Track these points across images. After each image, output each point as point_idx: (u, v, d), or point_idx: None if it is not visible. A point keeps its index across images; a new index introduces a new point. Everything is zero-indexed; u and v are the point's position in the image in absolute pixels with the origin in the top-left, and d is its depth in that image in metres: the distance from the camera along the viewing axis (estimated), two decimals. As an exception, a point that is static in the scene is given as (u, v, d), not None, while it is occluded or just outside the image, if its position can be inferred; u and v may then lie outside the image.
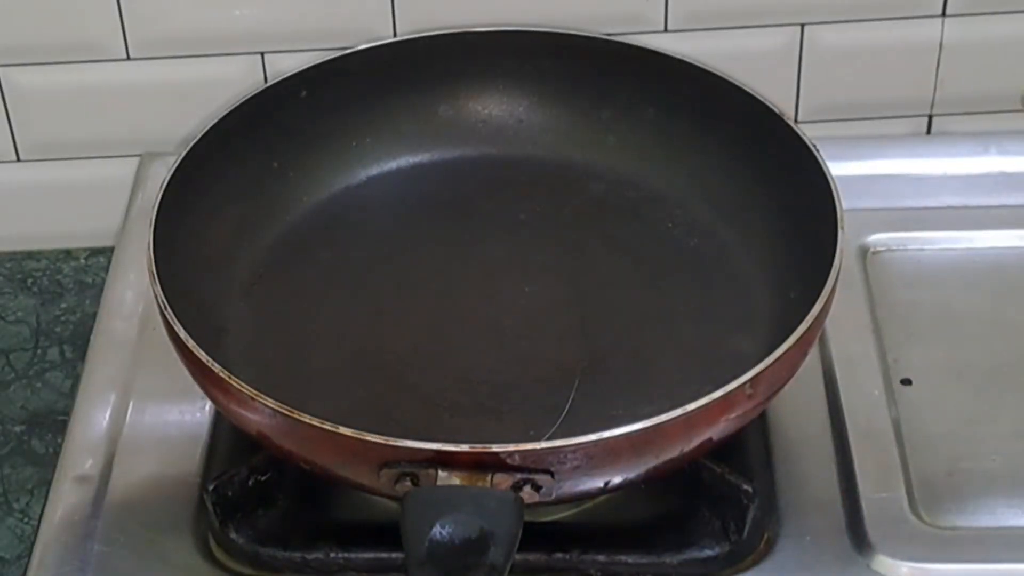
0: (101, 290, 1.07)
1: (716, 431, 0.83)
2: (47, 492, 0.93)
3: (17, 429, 1.06)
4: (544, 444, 0.79)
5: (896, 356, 0.99)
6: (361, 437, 0.80)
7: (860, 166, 1.09)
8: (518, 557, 0.79)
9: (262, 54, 1.11)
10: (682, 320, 0.96)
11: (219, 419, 0.95)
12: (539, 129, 1.06)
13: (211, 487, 0.88)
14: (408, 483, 0.80)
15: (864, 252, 1.05)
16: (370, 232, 1.02)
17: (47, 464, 1.01)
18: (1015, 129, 1.13)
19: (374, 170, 1.05)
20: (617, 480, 0.83)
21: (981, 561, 0.88)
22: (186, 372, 0.87)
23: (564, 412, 0.90)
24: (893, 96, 1.13)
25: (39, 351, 1.11)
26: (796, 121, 1.07)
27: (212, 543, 0.90)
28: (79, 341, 1.09)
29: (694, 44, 1.08)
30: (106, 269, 1.09)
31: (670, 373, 0.93)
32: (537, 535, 0.84)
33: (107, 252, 1.13)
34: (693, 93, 1.01)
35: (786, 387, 0.87)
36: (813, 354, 0.94)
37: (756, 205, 0.99)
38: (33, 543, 0.91)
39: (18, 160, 1.15)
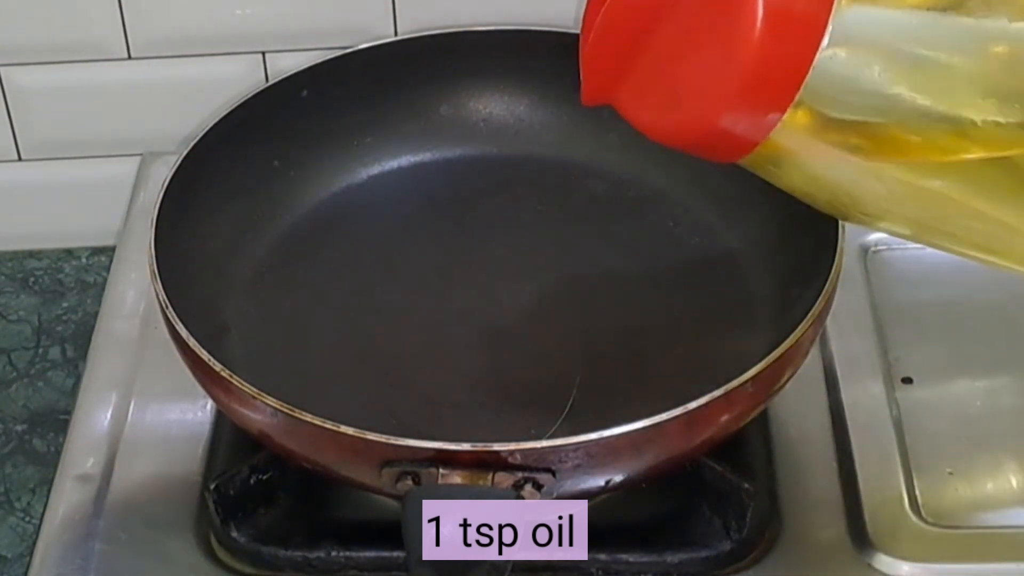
0: (102, 289, 1.07)
1: (717, 430, 0.83)
2: (49, 491, 0.93)
3: (19, 428, 1.06)
4: (545, 443, 0.80)
5: (897, 355, 0.99)
6: (362, 436, 0.80)
7: (861, 165, 1.09)
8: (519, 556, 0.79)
9: (263, 53, 1.11)
10: (683, 318, 0.96)
11: (220, 418, 0.95)
12: (540, 128, 1.06)
13: (213, 486, 0.88)
14: (409, 482, 0.80)
15: (865, 250, 1.05)
16: (371, 231, 1.02)
17: (49, 463, 1.02)
18: (1015, 128, 1.13)
19: (375, 169, 1.05)
20: (618, 479, 0.83)
21: (981, 560, 0.88)
22: (188, 371, 0.87)
23: (565, 411, 0.90)
24: (894, 95, 1.13)
25: (40, 350, 1.11)
26: (797, 120, 1.07)
27: (214, 542, 0.90)
28: (80, 340, 1.10)
29: (695, 43, 1.08)
30: (107, 268, 1.09)
31: (671, 371, 0.93)
32: (538, 534, 0.85)
33: (108, 251, 1.13)
34: (694, 92, 1.01)
35: (787, 386, 0.87)
36: (814, 352, 0.94)
37: (757, 204, 0.99)
38: (35, 542, 0.91)
39: (20, 159, 1.15)
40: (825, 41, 0.73)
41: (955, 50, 0.75)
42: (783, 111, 0.75)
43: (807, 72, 0.74)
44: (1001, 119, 0.76)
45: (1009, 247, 0.85)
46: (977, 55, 0.75)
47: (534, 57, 1.05)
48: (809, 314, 0.85)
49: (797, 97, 0.74)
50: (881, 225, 0.87)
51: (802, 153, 0.79)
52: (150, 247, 0.90)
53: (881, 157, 0.79)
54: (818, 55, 0.73)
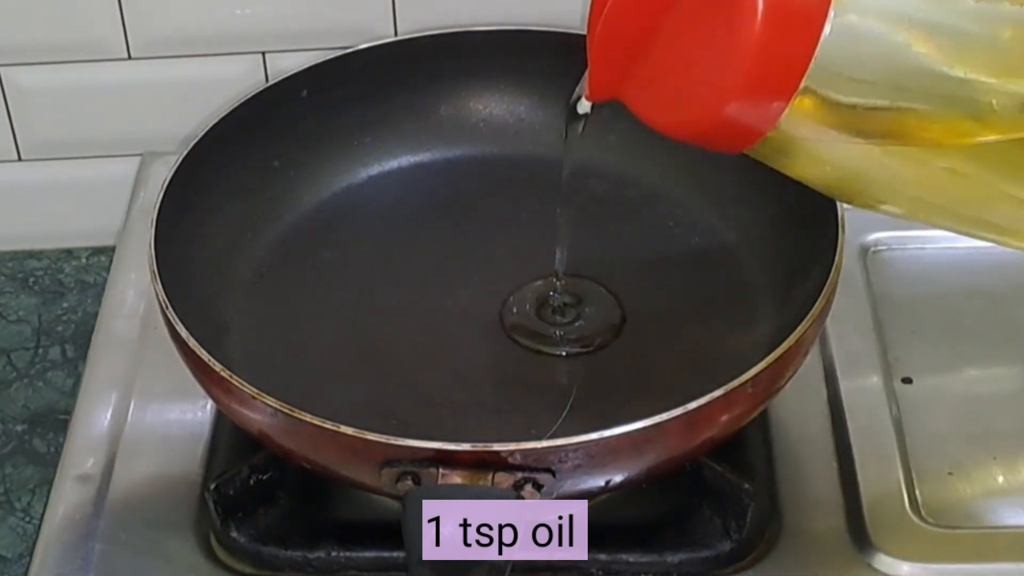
0: (102, 289, 1.07)
1: (717, 430, 0.83)
2: (49, 491, 0.93)
3: (19, 428, 1.06)
4: (545, 443, 0.80)
5: (897, 354, 0.99)
6: (362, 436, 0.80)
7: (861, 165, 1.09)
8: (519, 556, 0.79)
9: (263, 53, 1.11)
10: (683, 319, 0.96)
11: (220, 418, 0.95)
12: (540, 128, 1.06)
13: (213, 486, 0.88)
14: (409, 482, 0.80)
15: (865, 251, 1.05)
16: (371, 231, 1.02)
17: (49, 463, 1.02)
18: (1016, 128, 1.13)
19: (375, 169, 1.05)
20: (618, 479, 0.83)
21: (981, 560, 0.88)
22: (187, 371, 0.87)
23: (565, 411, 0.90)
24: (894, 95, 1.13)
25: (41, 350, 1.11)
26: (797, 120, 1.07)
27: (214, 542, 0.90)
28: (80, 340, 1.10)
29: (695, 43, 1.08)
30: (107, 268, 1.09)
31: (671, 371, 0.93)
32: (538, 534, 0.85)
33: (108, 251, 1.13)
34: (694, 92, 1.01)
35: (787, 386, 0.87)
36: (814, 353, 0.94)
37: (757, 204, 0.99)
38: (35, 542, 0.91)
39: (20, 159, 1.15)
40: (827, 29, 0.73)
41: (963, 32, 0.75)
42: (788, 99, 0.75)
43: (810, 60, 0.74)
44: (1017, 100, 0.76)
45: (1020, 226, 0.85)
46: (986, 36, 0.75)
47: (534, 57, 1.05)
48: (809, 314, 0.85)
49: (802, 84, 0.74)
50: (892, 209, 0.87)
51: (810, 141, 0.79)
52: (150, 247, 0.90)
53: (891, 142, 0.78)
54: (820, 42, 0.73)
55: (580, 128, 0.88)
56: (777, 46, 0.73)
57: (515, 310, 0.96)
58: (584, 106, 0.87)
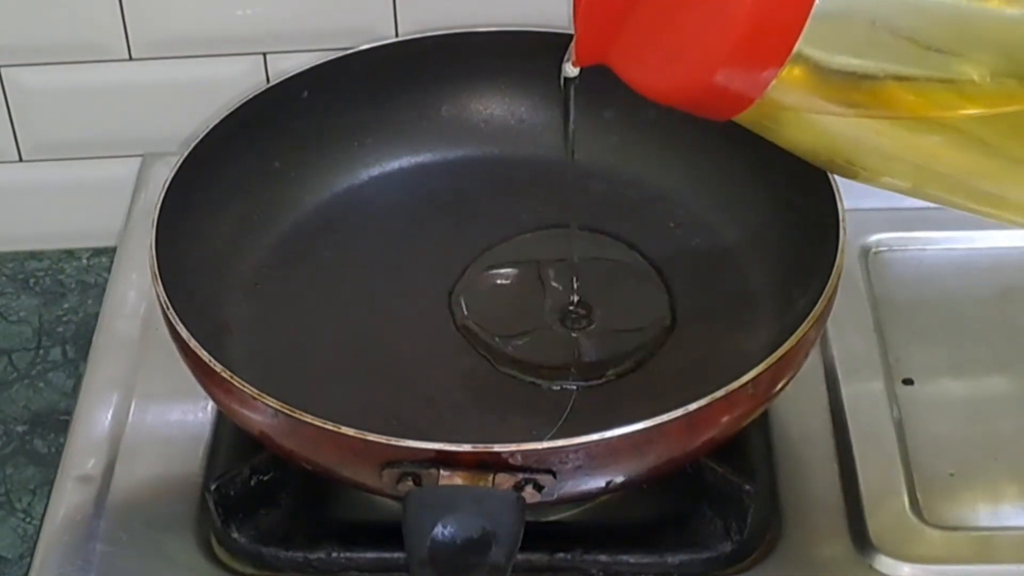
0: (103, 290, 1.07)
1: (718, 431, 0.83)
2: (49, 492, 0.93)
3: (19, 429, 1.06)
4: (546, 444, 0.80)
5: (898, 356, 0.99)
6: (363, 437, 0.80)
7: (862, 166, 1.09)
8: (520, 557, 0.79)
9: (264, 54, 1.11)
10: (684, 319, 0.96)
11: (221, 419, 0.95)
12: (541, 129, 1.06)
13: (213, 487, 0.88)
14: (410, 483, 0.80)
15: (866, 252, 1.05)
16: (372, 232, 1.02)
17: (49, 464, 1.02)
18: (1017, 129, 1.13)
19: (376, 170, 1.05)
20: (619, 480, 0.83)
21: (983, 562, 0.88)
22: (188, 372, 0.87)
23: (566, 412, 0.90)
24: (895, 96, 1.13)
25: (41, 351, 1.11)
26: (798, 121, 1.07)
27: (214, 543, 0.90)
28: (81, 341, 1.10)
29: (696, 44, 1.08)
30: (108, 269, 1.09)
31: (672, 372, 0.93)
32: (539, 535, 0.85)
33: (109, 252, 1.13)
34: (695, 93, 1.01)
35: (788, 387, 0.87)
36: (815, 354, 0.94)
37: (758, 205, 0.99)
38: (35, 543, 0.91)
39: (20, 160, 1.15)
40: None
41: (952, 3, 0.75)
42: (779, 66, 0.74)
43: (802, 27, 0.73)
44: (998, 75, 0.76)
45: (1008, 200, 0.85)
46: (974, 8, 0.75)
47: (535, 58, 1.04)
48: (810, 315, 0.85)
49: (794, 51, 0.74)
50: (892, 181, 0.86)
51: (800, 109, 0.78)
52: (151, 248, 0.90)
53: (878, 113, 0.78)
54: (814, 7, 0.72)
55: (571, 94, 0.87)
56: (770, 10, 0.73)
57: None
58: (570, 70, 0.86)
